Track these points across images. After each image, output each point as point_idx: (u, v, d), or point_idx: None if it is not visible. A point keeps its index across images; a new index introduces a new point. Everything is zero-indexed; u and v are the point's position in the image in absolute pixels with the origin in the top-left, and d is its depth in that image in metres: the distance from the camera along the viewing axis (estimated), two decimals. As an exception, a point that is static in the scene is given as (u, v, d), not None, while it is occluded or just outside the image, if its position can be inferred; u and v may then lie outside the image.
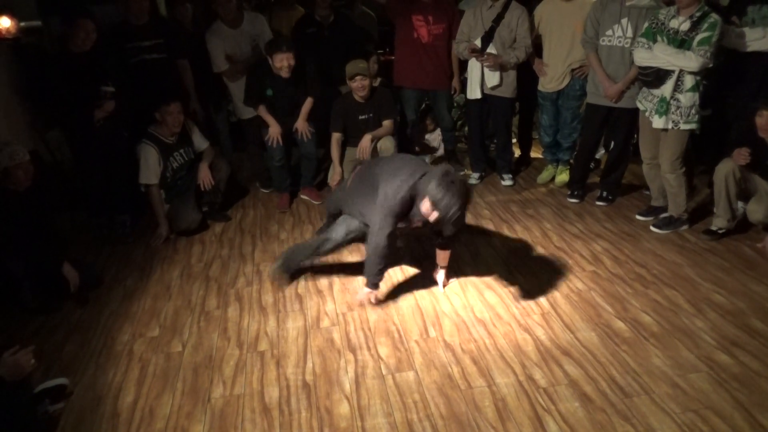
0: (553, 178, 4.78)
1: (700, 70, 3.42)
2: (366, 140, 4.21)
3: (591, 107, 4.19)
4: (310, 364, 2.65)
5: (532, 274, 3.35)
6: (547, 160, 4.83)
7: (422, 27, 4.49)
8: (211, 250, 3.83)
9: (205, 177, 4.06)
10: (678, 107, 3.54)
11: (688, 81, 3.48)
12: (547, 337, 2.78)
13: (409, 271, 3.43)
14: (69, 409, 2.44)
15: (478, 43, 4.30)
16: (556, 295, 3.14)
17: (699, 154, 4.34)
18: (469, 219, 3.22)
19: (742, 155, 3.45)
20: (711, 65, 3.44)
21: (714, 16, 3.36)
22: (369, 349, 2.75)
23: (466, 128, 5.19)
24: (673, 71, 3.48)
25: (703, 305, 3.01)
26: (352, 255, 3.60)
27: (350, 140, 4.35)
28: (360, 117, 4.28)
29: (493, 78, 4.36)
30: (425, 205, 2.66)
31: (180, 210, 3.98)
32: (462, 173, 4.87)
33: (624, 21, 3.80)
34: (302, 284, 3.31)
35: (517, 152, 5.19)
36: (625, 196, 4.44)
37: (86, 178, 3.98)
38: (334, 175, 4.31)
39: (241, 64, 4.39)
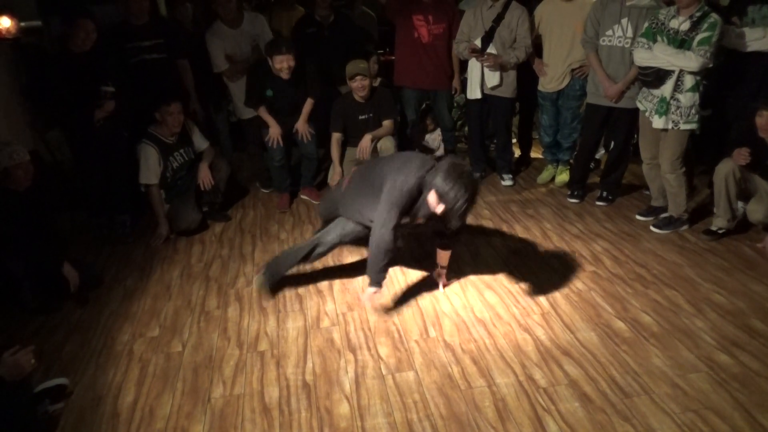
0: (553, 178, 4.78)
1: (700, 70, 3.42)
2: (366, 140, 4.21)
3: (591, 107, 4.19)
4: (310, 364, 2.65)
5: (532, 274, 3.35)
6: (547, 160, 4.83)
7: (422, 27, 4.49)
8: (211, 250, 3.83)
9: (205, 177, 4.06)
10: (678, 107, 3.54)
11: (688, 81, 3.48)
12: (547, 337, 2.78)
13: (409, 271, 3.43)
14: (69, 409, 2.44)
15: (478, 43, 4.30)
16: (556, 295, 3.14)
17: (699, 154, 4.34)
18: (469, 219, 3.22)
19: (742, 155, 3.45)
20: (711, 65, 3.44)
21: (714, 16, 3.36)
22: (369, 349, 2.75)
23: (466, 128, 5.19)
24: (673, 71, 3.48)
25: (703, 305, 3.01)
26: (352, 255, 3.60)
27: (350, 140, 4.35)
28: (360, 117, 4.28)
29: (493, 78, 4.36)
30: (432, 198, 2.62)
31: (180, 210, 3.98)
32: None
33: (624, 21, 3.80)
34: (302, 284, 3.31)
35: (517, 152, 5.19)
36: (625, 196, 4.44)
37: (86, 178, 3.99)
38: (334, 175, 4.31)
39: (241, 64, 4.39)
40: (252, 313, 3.09)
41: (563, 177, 4.69)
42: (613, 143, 4.41)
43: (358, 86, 4.14)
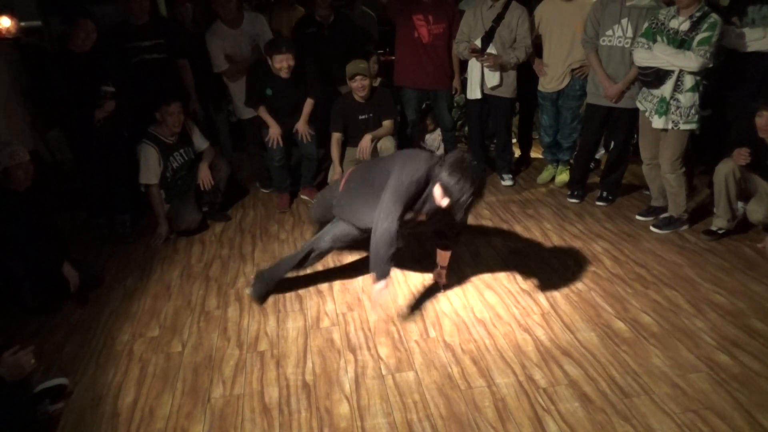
0: (553, 178, 4.78)
1: (699, 70, 3.42)
2: (366, 140, 4.21)
3: (591, 107, 4.19)
4: (310, 364, 2.65)
5: (532, 274, 3.35)
6: (547, 160, 4.83)
7: (422, 27, 4.49)
8: (211, 250, 3.83)
9: (205, 177, 4.06)
10: (678, 107, 3.54)
11: (688, 81, 3.48)
12: (547, 338, 2.78)
13: (409, 271, 3.43)
14: (69, 409, 2.44)
15: (478, 43, 4.30)
16: (556, 295, 3.14)
17: (699, 155, 4.34)
18: (469, 219, 3.21)
19: (742, 155, 3.46)
20: (711, 65, 3.44)
21: (714, 16, 3.36)
22: (369, 349, 2.75)
23: (466, 128, 5.19)
24: (672, 71, 3.48)
25: (703, 305, 3.01)
26: (351, 255, 3.60)
27: (350, 140, 4.35)
28: (360, 117, 4.28)
29: (493, 78, 4.36)
30: (437, 191, 2.61)
31: (180, 210, 3.98)
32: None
33: (624, 21, 3.80)
34: (302, 284, 3.31)
35: (517, 152, 5.19)
36: (625, 196, 4.44)
37: (86, 178, 3.99)
38: (334, 175, 4.31)
39: (241, 64, 4.39)
40: (252, 313, 3.09)
41: (563, 177, 4.69)
42: (613, 143, 4.41)
43: (358, 86, 4.14)
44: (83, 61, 3.66)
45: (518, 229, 3.96)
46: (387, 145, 4.23)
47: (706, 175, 4.30)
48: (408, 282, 3.32)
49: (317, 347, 2.78)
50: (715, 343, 2.70)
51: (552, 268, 3.41)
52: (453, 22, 4.50)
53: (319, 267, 3.42)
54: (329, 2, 4.50)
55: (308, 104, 4.27)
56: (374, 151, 4.26)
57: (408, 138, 4.87)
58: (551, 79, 4.37)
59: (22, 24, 3.79)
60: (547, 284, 3.24)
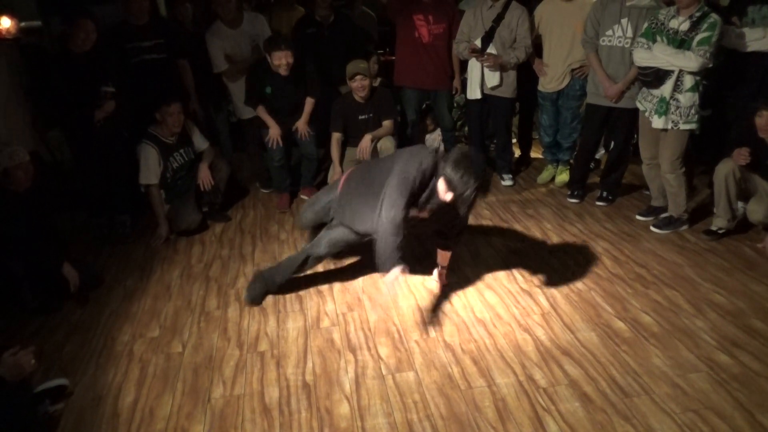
0: (553, 178, 4.78)
1: (699, 70, 3.42)
2: (366, 140, 4.21)
3: (591, 107, 4.19)
4: (310, 365, 2.65)
5: (532, 274, 3.35)
6: (547, 160, 4.83)
7: (423, 27, 4.49)
8: (211, 250, 3.83)
9: (204, 177, 4.06)
10: (677, 107, 3.54)
11: (688, 81, 3.48)
12: (547, 337, 2.78)
13: (409, 271, 3.43)
14: (69, 410, 2.44)
15: (478, 43, 4.30)
16: (556, 295, 3.14)
17: (699, 154, 4.34)
18: (470, 219, 3.21)
19: (742, 155, 3.46)
20: (710, 65, 3.44)
21: (714, 16, 3.37)
22: (369, 349, 2.75)
23: (466, 128, 5.19)
24: (672, 71, 3.48)
25: (703, 305, 3.01)
26: (351, 255, 3.60)
27: (350, 140, 4.35)
28: (360, 117, 4.28)
29: (493, 78, 4.36)
30: (441, 186, 2.61)
31: (180, 210, 3.98)
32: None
33: (624, 21, 3.80)
34: (302, 285, 3.31)
35: (517, 152, 5.19)
36: (625, 196, 4.44)
37: (86, 178, 3.99)
38: (333, 175, 4.31)
39: (240, 64, 4.39)
40: (252, 313, 3.09)
41: (563, 177, 4.69)
42: (613, 143, 4.41)
43: (358, 86, 4.14)
44: (83, 62, 3.65)
45: (518, 229, 3.96)
46: (387, 145, 4.23)
47: (706, 175, 4.30)
48: (408, 282, 3.32)
49: (317, 347, 2.78)
50: (715, 342, 2.70)
51: (552, 268, 3.41)
52: (453, 22, 4.50)
53: (319, 267, 3.42)
54: (329, 2, 4.49)
55: (309, 103, 4.27)
56: (374, 151, 4.26)
57: (408, 138, 4.87)
58: (551, 79, 4.37)
59: (22, 24, 3.79)
60: (547, 284, 3.24)
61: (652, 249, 3.63)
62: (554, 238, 3.81)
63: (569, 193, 4.45)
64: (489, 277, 3.34)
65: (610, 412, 2.30)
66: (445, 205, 2.74)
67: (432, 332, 2.86)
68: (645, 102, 3.71)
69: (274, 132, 4.20)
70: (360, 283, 3.32)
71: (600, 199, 4.34)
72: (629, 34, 3.80)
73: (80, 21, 3.59)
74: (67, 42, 3.66)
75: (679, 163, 3.69)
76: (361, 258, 3.55)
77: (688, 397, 2.36)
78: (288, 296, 3.21)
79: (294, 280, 3.27)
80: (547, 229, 3.93)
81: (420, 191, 2.71)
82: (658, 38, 3.53)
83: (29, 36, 4.10)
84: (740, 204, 3.68)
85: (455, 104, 5.24)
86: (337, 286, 3.31)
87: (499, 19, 4.26)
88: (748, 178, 3.56)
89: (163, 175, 3.93)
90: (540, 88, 4.48)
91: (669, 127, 3.60)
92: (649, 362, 2.58)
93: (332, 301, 3.16)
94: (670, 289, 3.17)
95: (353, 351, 2.74)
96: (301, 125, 4.27)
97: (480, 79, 4.40)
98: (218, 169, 4.17)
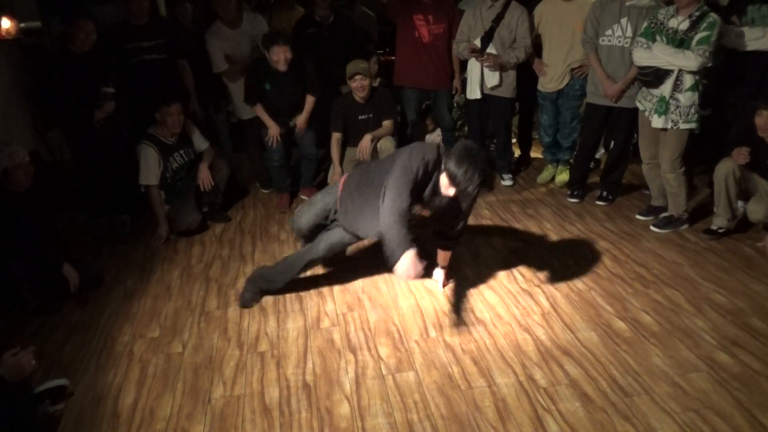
0: (553, 178, 4.78)
1: (699, 69, 3.42)
2: (366, 140, 4.21)
3: (591, 107, 4.20)
4: (310, 365, 2.65)
5: (532, 274, 3.35)
6: (547, 160, 4.83)
7: (423, 27, 4.49)
8: (211, 250, 3.83)
9: (204, 177, 4.06)
10: (677, 107, 3.54)
11: (688, 80, 3.48)
12: (548, 337, 2.78)
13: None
14: (69, 410, 2.44)
15: (477, 43, 4.30)
16: (556, 295, 3.14)
17: (699, 154, 4.34)
18: (470, 219, 3.21)
19: (741, 155, 3.46)
20: (710, 65, 3.44)
21: (713, 16, 3.37)
22: (369, 349, 2.75)
23: (466, 128, 5.19)
24: (672, 71, 3.48)
25: (703, 305, 3.01)
26: (352, 255, 3.60)
27: (350, 140, 4.35)
28: (360, 117, 4.28)
29: (492, 78, 4.36)
30: (444, 181, 2.61)
31: (180, 210, 3.98)
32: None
33: (624, 21, 3.80)
34: (302, 285, 3.31)
35: (517, 152, 5.19)
36: (625, 195, 4.44)
37: (86, 178, 3.99)
38: (333, 175, 4.31)
39: (240, 64, 4.39)
40: (252, 313, 3.09)
41: (563, 177, 4.69)
42: (613, 143, 4.41)
43: (358, 86, 4.14)
44: (83, 62, 3.65)
45: (518, 229, 3.96)
46: (387, 145, 4.23)
47: (706, 175, 4.30)
48: (408, 282, 3.31)
49: (317, 347, 2.78)
50: (715, 342, 2.70)
51: (552, 268, 3.41)
52: (453, 22, 4.50)
53: (319, 268, 3.42)
54: (329, 2, 4.49)
55: (309, 101, 4.26)
56: (374, 151, 4.26)
57: (408, 138, 4.87)
58: (551, 79, 4.37)
59: (22, 25, 3.79)
60: (547, 284, 3.24)
61: (652, 248, 3.63)
62: (554, 238, 3.81)
63: (569, 192, 4.45)
64: (489, 277, 3.34)
65: (610, 411, 2.30)
66: (447, 204, 2.74)
67: (432, 332, 2.86)
68: (645, 101, 3.72)
69: (273, 131, 4.20)
70: (360, 283, 3.32)
71: (600, 198, 4.34)
72: (629, 33, 3.80)
73: (80, 21, 3.59)
74: (67, 42, 3.66)
75: (678, 162, 3.69)
76: (361, 258, 3.55)
77: (688, 397, 2.36)
78: (288, 296, 3.21)
79: (294, 280, 3.27)
80: (547, 229, 3.94)
81: (423, 184, 2.70)
82: (658, 38, 3.53)
83: (29, 37, 4.10)
84: (740, 203, 3.68)
85: (455, 104, 5.24)
86: (337, 286, 3.31)
87: (498, 18, 4.26)
88: (748, 178, 3.56)
89: (163, 175, 3.93)
90: (540, 87, 4.48)
91: (669, 126, 3.60)
92: (649, 362, 2.58)
93: (332, 301, 3.16)
94: (670, 288, 3.17)
95: (353, 351, 2.74)
96: (301, 121, 4.26)
97: (480, 79, 4.40)
98: (218, 170, 4.17)
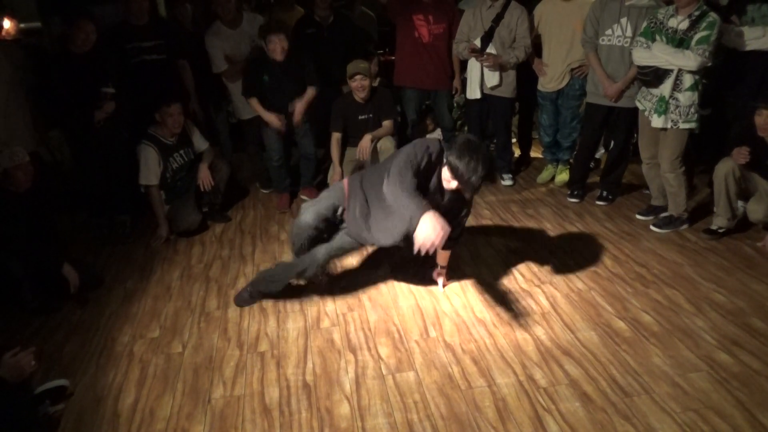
0: (553, 178, 4.78)
1: (698, 69, 3.42)
2: (366, 140, 4.21)
3: (591, 107, 4.20)
4: (310, 365, 2.65)
5: (532, 274, 3.35)
6: (547, 159, 4.83)
7: (423, 27, 4.49)
8: (211, 250, 3.83)
9: (204, 178, 4.06)
10: (677, 106, 3.54)
11: (687, 80, 3.48)
12: (548, 337, 2.78)
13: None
14: (69, 410, 2.44)
15: (477, 43, 4.31)
16: (556, 295, 3.14)
17: (699, 154, 4.34)
18: (469, 219, 3.21)
19: (741, 154, 3.46)
20: (710, 64, 3.44)
21: (713, 15, 3.37)
22: (369, 349, 2.75)
23: (466, 128, 5.19)
24: (671, 70, 3.48)
25: (703, 304, 3.01)
26: (352, 255, 3.59)
27: (350, 140, 4.35)
28: (360, 117, 4.28)
29: (492, 78, 4.36)
30: (445, 174, 2.63)
31: (180, 211, 3.98)
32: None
33: (623, 20, 3.80)
34: (302, 285, 3.30)
35: (517, 152, 5.19)
36: (625, 195, 4.44)
37: (86, 179, 3.99)
38: (333, 175, 4.31)
39: (240, 64, 4.38)
40: (252, 313, 3.09)
41: (563, 177, 4.69)
42: (612, 143, 4.41)
43: (358, 86, 4.14)
44: (83, 62, 3.66)
45: (518, 229, 3.96)
46: (387, 145, 4.23)
47: (705, 174, 4.30)
48: (408, 282, 3.32)
49: (317, 347, 2.78)
50: (715, 342, 2.70)
51: (552, 268, 3.41)
52: (453, 22, 4.50)
53: (319, 267, 3.42)
54: (329, 3, 4.49)
55: (309, 91, 4.23)
56: (374, 151, 4.26)
57: (408, 138, 4.86)
58: (551, 79, 4.37)
59: (22, 25, 3.79)
60: (547, 284, 3.24)
61: (652, 248, 3.62)
62: (554, 238, 3.80)
63: (569, 192, 4.45)
64: (489, 277, 3.34)
65: (610, 411, 2.30)
66: (448, 203, 2.74)
67: (432, 332, 2.86)
68: (644, 101, 3.72)
69: (273, 122, 4.16)
70: (360, 283, 3.32)
71: (600, 198, 4.34)
72: (628, 33, 3.80)
73: (80, 21, 3.60)
74: (67, 42, 3.66)
75: (678, 162, 3.68)
76: (361, 258, 3.55)
77: (688, 397, 2.36)
78: (288, 296, 3.21)
79: (294, 281, 3.27)
80: (547, 229, 3.93)
81: (426, 175, 2.71)
82: (658, 37, 3.53)
83: (29, 36, 4.10)
84: (740, 203, 3.68)
85: (455, 104, 5.24)
86: (337, 286, 3.31)
87: (498, 18, 4.26)
88: (748, 177, 3.56)
89: (162, 175, 3.93)
90: (540, 87, 4.48)
91: (668, 126, 3.60)
92: (649, 361, 2.58)
93: (332, 301, 3.16)
94: (670, 288, 3.17)
95: (353, 351, 2.74)
96: (299, 107, 4.19)
97: (480, 79, 4.40)
98: (218, 170, 4.17)
